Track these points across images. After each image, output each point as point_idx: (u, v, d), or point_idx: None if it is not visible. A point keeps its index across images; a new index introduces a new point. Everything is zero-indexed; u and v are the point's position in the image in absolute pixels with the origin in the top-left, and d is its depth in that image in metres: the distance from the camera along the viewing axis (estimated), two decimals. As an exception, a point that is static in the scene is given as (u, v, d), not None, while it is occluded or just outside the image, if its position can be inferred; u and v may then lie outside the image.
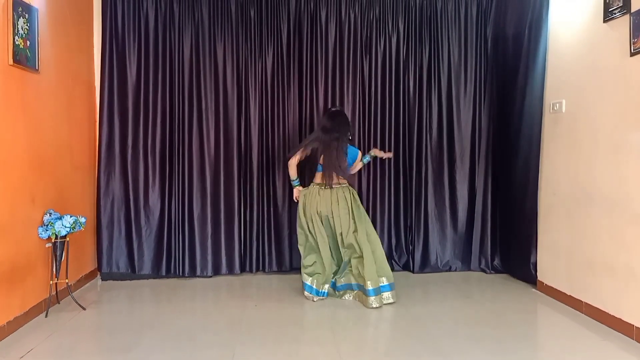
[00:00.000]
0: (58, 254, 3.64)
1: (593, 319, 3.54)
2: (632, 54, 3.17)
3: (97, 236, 4.56)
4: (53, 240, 3.61)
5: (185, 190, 4.65)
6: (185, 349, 3.04)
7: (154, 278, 4.64)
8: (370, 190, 4.93)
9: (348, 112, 4.83)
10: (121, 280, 4.58)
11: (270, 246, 4.81)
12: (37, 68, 3.59)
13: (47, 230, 3.54)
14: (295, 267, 4.78)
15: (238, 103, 4.73)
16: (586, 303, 3.64)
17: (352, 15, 4.84)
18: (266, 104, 4.78)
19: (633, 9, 3.16)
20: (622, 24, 3.26)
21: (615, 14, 3.33)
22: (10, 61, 3.26)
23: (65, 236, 3.64)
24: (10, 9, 3.25)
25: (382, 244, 4.92)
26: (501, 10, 4.81)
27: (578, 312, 3.70)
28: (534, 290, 4.28)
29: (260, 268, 4.83)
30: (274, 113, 4.78)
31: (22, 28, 3.40)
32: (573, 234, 3.82)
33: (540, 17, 4.19)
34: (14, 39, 3.29)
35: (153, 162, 4.62)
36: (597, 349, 3.09)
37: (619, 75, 3.32)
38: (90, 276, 4.52)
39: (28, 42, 3.48)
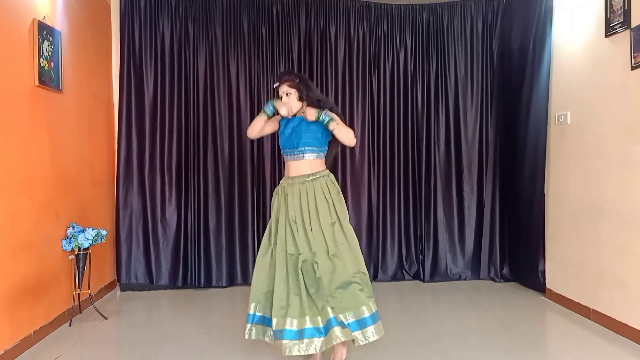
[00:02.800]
0: (81, 265, 3.78)
1: (601, 325, 3.61)
2: (633, 68, 3.28)
3: (116, 248, 4.70)
4: (76, 253, 3.75)
5: (200, 203, 4.79)
6: (203, 357, 3.15)
7: (171, 288, 4.77)
8: (381, 202, 5.05)
9: (358, 124, 4.98)
10: (140, 290, 4.71)
11: (283, 257, 4.93)
12: (60, 88, 3.75)
13: (70, 243, 3.68)
14: (308, 277, 4.90)
15: (251, 118, 4.85)
16: (594, 310, 3.71)
17: (360, 32, 4.99)
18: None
19: (633, 24, 3.27)
20: (623, 38, 3.38)
21: (616, 29, 3.44)
22: (36, 82, 3.42)
23: (87, 248, 3.78)
24: (35, 32, 3.42)
25: (393, 253, 5.07)
26: (506, 25, 4.93)
27: (586, 318, 3.78)
28: (542, 298, 4.36)
29: (274, 278, 4.94)
30: (286, 127, 4.92)
31: (46, 50, 3.57)
32: (582, 245, 3.90)
33: (544, 31, 4.31)
34: (39, 61, 3.45)
35: (169, 177, 4.77)
36: (605, 354, 3.18)
37: (621, 88, 3.43)
38: (109, 287, 4.67)
39: (52, 64, 3.64)
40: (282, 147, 3.05)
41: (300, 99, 2.96)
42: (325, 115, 2.85)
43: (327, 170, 3.04)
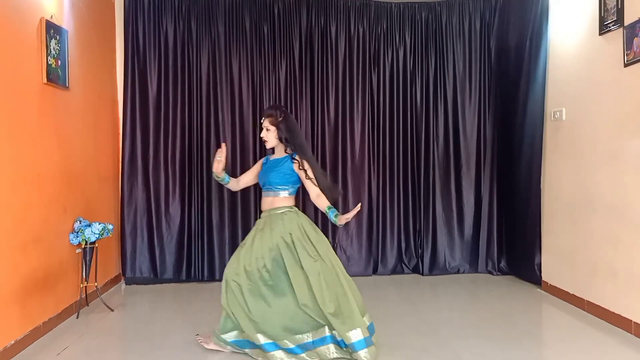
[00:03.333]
0: (87, 259, 3.88)
1: (594, 315, 3.72)
2: (625, 65, 3.37)
3: (121, 243, 4.80)
4: (83, 246, 3.85)
5: (204, 198, 4.88)
6: (209, 348, 3.25)
7: (175, 282, 4.86)
8: (380, 197, 5.15)
9: (358, 122, 5.08)
10: (144, 284, 4.81)
11: (285, 251, 5.02)
12: (67, 86, 3.84)
13: (77, 237, 3.77)
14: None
15: (253, 115, 4.96)
16: (588, 301, 3.81)
17: (360, 30, 5.07)
18: (280, 115, 5.01)
19: (626, 23, 3.36)
20: (617, 36, 3.47)
21: (610, 27, 3.53)
22: (44, 80, 3.50)
23: (94, 242, 3.88)
24: (43, 31, 3.50)
25: (392, 247, 5.17)
26: (503, 23, 5.02)
27: (581, 309, 3.88)
28: (539, 290, 4.46)
29: (276, 272, 5.04)
30: (287, 124, 5.00)
31: (54, 49, 3.65)
32: (575, 238, 4.00)
33: (540, 29, 4.40)
34: (47, 59, 3.54)
35: (173, 173, 4.86)
36: (598, 343, 3.28)
37: (614, 85, 3.52)
38: (114, 281, 4.76)
39: (59, 62, 3.73)
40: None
41: (280, 138, 3.15)
42: (332, 211, 3.08)
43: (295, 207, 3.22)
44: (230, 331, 3.09)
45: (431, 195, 5.15)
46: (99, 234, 3.82)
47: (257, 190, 4.94)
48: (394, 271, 5.15)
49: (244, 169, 4.88)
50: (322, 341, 2.96)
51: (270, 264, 3.03)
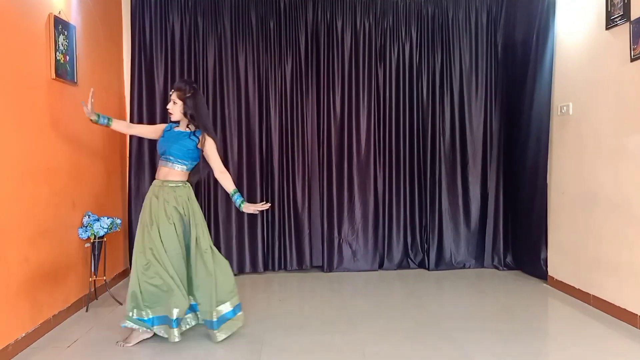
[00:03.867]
0: (96, 253, 3.92)
1: (600, 310, 3.73)
2: (632, 60, 3.37)
3: (129, 237, 4.83)
4: (92, 241, 3.88)
5: (210, 193, 4.91)
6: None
7: (182, 276, 4.89)
8: (386, 192, 5.16)
9: (364, 117, 5.08)
10: (152, 278, 4.84)
11: (291, 245, 5.06)
12: (75, 81, 3.87)
13: (86, 231, 3.81)
14: (315, 265, 5.06)
15: (259, 110, 4.98)
16: (594, 296, 3.82)
17: (366, 25, 5.07)
18: (286, 110, 5.03)
19: (633, 17, 3.36)
20: (623, 31, 3.46)
21: (616, 21, 3.52)
22: (53, 75, 3.54)
23: (103, 236, 3.91)
24: (52, 27, 3.53)
25: (398, 242, 5.19)
26: (510, 18, 5.01)
27: (586, 304, 3.89)
28: (545, 285, 4.47)
29: (282, 266, 5.08)
30: (293, 119, 5.03)
31: (62, 44, 3.68)
32: (580, 233, 4.01)
33: (547, 24, 4.39)
34: (55, 54, 3.57)
35: (180, 167, 4.88)
36: (603, 337, 3.29)
37: (621, 80, 3.52)
38: (122, 275, 4.80)
39: (67, 57, 3.76)
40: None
41: (184, 113, 3.24)
42: (238, 196, 3.32)
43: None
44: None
45: (437, 190, 5.15)
46: (107, 228, 3.86)
47: (263, 185, 4.98)
48: (399, 266, 5.17)
49: (250, 164, 4.94)
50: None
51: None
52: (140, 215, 3.31)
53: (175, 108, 3.25)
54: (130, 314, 3.17)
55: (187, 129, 3.30)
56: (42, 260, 3.38)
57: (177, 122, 3.35)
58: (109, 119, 3.40)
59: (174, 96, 3.25)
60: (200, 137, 3.25)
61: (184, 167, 3.27)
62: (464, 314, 3.78)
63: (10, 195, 3.03)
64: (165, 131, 3.38)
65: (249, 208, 3.34)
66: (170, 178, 3.25)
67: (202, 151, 3.26)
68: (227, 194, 4.81)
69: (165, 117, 4.83)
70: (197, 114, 3.24)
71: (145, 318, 3.18)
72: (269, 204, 3.42)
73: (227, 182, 3.35)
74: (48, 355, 3.06)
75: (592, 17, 3.83)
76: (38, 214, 3.33)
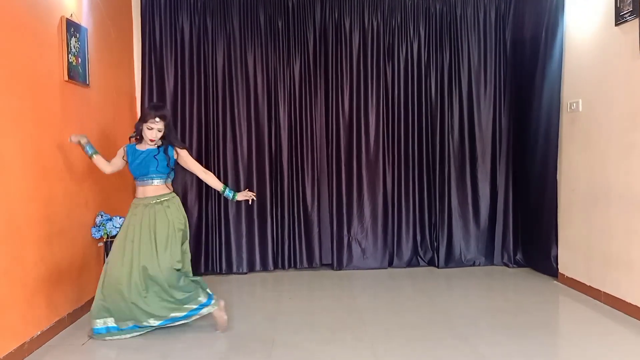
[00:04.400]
0: (109, 252, 3.96)
1: (611, 307, 3.73)
2: (642, 56, 3.36)
3: (141, 237, 4.88)
4: (104, 240, 3.93)
5: (220, 193, 4.93)
6: (229, 337, 3.33)
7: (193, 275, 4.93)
8: (396, 190, 5.17)
9: (372, 115, 5.10)
10: (163, 277, 4.89)
11: (300, 244, 5.09)
12: (87, 83, 3.92)
13: (99, 231, 3.87)
14: (325, 263, 5.09)
15: (268, 109, 5.01)
16: (605, 292, 3.82)
17: (374, 23, 5.08)
18: (294, 109, 5.05)
19: (642, 13, 3.35)
20: (633, 27, 3.45)
21: (626, 17, 3.51)
22: (66, 77, 3.59)
23: (115, 236, 3.96)
24: (64, 29, 3.58)
25: (408, 240, 5.21)
26: (519, 14, 5.00)
27: (597, 301, 3.89)
28: (555, 282, 4.47)
29: (292, 265, 5.11)
30: (302, 118, 5.05)
31: (74, 47, 3.73)
32: (591, 229, 4.00)
33: (556, 20, 4.38)
34: (67, 57, 3.62)
35: (190, 167, 4.92)
36: (614, 333, 3.29)
37: (630, 75, 3.51)
38: (134, 274, 4.84)
39: (79, 60, 3.81)
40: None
41: (164, 136, 3.44)
42: (229, 190, 3.62)
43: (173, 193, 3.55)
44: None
45: (446, 188, 5.15)
46: (119, 227, 3.90)
47: (272, 184, 5.01)
48: (409, 264, 5.19)
49: (260, 163, 4.97)
50: None
51: None
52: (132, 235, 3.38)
53: (159, 134, 3.41)
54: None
55: (150, 146, 3.43)
56: (58, 260, 3.43)
57: (135, 142, 3.50)
58: (94, 152, 3.53)
59: (160, 125, 3.38)
60: (175, 152, 3.48)
61: (169, 179, 3.53)
62: (474, 311, 3.79)
63: (26, 195, 3.08)
64: (132, 154, 3.47)
65: (240, 196, 3.63)
66: (160, 192, 3.45)
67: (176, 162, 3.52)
68: (240, 189, 4.93)
69: (175, 117, 4.88)
70: (172, 133, 3.50)
71: None
72: (253, 194, 3.67)
73: (212, 180, 3.63)
74: (63, 353, 3.11)
75: (601, 13, 3.82)
76: (53, 214, 3.38)
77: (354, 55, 5.08)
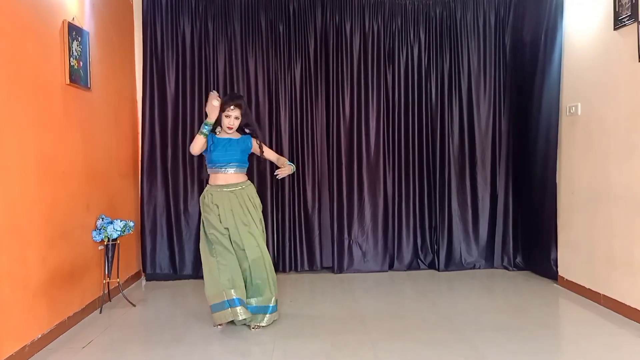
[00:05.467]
0: (110, 255, 3.97)
1: (610, 309, 3.73)
2: (640, 60, 3.38)
3: (141, 240, 4.90)
4: (105, 243, 3.94)
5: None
6: (231, 340, 3.34)
7: (194, 278, 4.93)
8: (396, 193, 5.19)
9: (373, 119, 5.13)
10: (164, 280, 4.90)
11: (301, 247, 5.10)
12: (89, 86, 3.94)
13: (100, 234, 3.87)
14: (325, 266, 5.10)
15: (269, 112, 5.03)
16: (604, 295, 3.83)
17: (375, 27, 5.11)
18: (295, 113, 5.07)
19: (641, 17, 3.37)
20: (631, 31, 3.47)
21: (624, 22, 3.53)
22: (67, 81, 3.60)
23: (116, 239, 3.97)
24: (66, 33, 3.60)
25: (408, 243, 5.22)
26: (518, 18, 5.02)
27: (597, 304, 3.90)
28: (555, 285, 4.48)
29: (293, 268, 5.12)
30: (303, 121, 5.07)
31: (75, 50, 3.75)
32: (591, 231, 4.01)
33: (555, 25, 4.41)
34: (69, 60, 3.64)
35: (191, 171, 4.94)
36: (614, 335, 3.30)
37: (629, 79, 3.53)
38: (135, 277, 4.86)
39: (81, 63, 3.82)
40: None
41: (241, 124, 3.62)
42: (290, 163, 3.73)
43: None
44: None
45: (447, 191, 5.17)
46: (120, 230, 3.92)
47: (273, 187, 5.02)
48: (409, 267, 5.19)
49: (260, 165, 4.96)
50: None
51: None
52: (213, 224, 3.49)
53: (237, 122, 3.58)
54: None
55: (229, 135, 3.60)
56: (59, 262, 3.44)
57: (213, 130, 3.58)
58: (208, 131, 3.52)
59: (236, 112, 3.55)
60: (256, 142, 3.71)
61: (246, 167, 3.72)
62: (475, 313, 3.80)
63: (28, 198, 3.10)
64: (214, 142, 3.57)
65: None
66: (241, 180, 3.63)
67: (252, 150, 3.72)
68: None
69: (176, 121, 4.90)
70: (253, 123, 3.75)
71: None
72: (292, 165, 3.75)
73: (283, 161, 3.71)
74: (64, 356, 3.12)
75: (600, 17, 3.85)
76: (55, 217, 3.40)
77: (354, 59, 5.10)
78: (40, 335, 3.17)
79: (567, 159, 4.36)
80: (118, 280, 4.10)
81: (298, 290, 4.57)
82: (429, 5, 5.16)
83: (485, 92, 5.18)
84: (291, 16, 5.03)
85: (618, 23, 3.60)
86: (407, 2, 5.15)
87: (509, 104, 5.16)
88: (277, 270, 5.02)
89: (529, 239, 4.97)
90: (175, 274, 4.94)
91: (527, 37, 4.86)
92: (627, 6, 3.49)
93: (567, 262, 4.36)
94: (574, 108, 4.21)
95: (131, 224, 4.04)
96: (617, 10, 3.61)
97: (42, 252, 3.23)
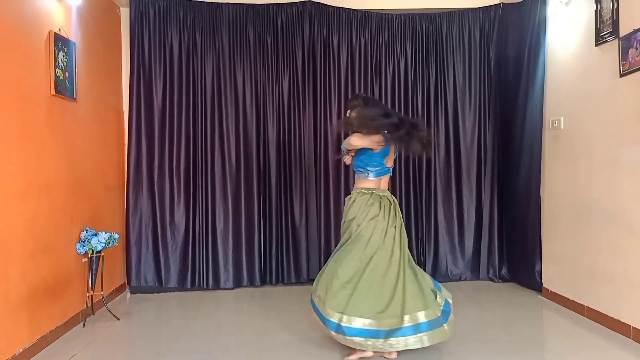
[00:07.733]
0: (94, 268, 3.93)
1: (594, 321, 3.77)
2: (621, 75, 3.45)
3: (126, 252, 4.85)
4: (89, 256, 3.90)
5: (208, 207, 4.94)
6: (216, 354, 3.30)
7: (179, 291, 4.90)
8: (382, 205, 5.19)
9: (360, 131, 5.12)
10: (149, 293, 4.85)
11: (288, 259, 5.08)
12: (75, 97, 3.91)
13: (84, 246, 3.83)
14: (312, 278, 5.06)
15: (257, 125, 5.03)
16: (588, 307, 3.87)
17: (362, 41, 5.15)
18: (283, 125, 5.08)
19: (621, 34, 3.45)
20: (612, 47, 3.55)
21: (606, 38, 3.61)
22: (52, 91, 3.58)
23: (100, 251, 3.93)
24: (52, 43, 3.58)
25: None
26: (502, 34, 5.10)
27: (580, 315, 3.93)
28: (539, 296, 4.51)
29: (280, 280, 5.10)
30: (291, 134, 5.08)
31: (61, 61, 3.73)
32: (575, 244, 4.06)
33: (538, 40, 4.48)
34: (55, 71, 3.62)
35: (178, 182, 4.92)
36: (597, 347, 3.33)
37: (610, 94, 3.60)
38: (119, 290, 4.81)
39: (67, 74, 3.80)
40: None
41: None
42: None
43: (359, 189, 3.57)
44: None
45: (433, 203, 5.20)
46: (105, 243, 3.88)
47: (260, 199, 5.01)
48: (396, 279, 5.19)
49: (248, 178, 4.98)
50: None
51: None
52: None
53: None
54: None
55: None
56: (41, 276, 3.39)
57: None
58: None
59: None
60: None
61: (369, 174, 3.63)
62: (462, 326, 3.78)
63: (11, 210, 3.06)
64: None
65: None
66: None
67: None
68: (224, 208, 4.94)
69: (163, 132, 4.88)
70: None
71: None
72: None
73: None
74: (46, 370, 3.07)
75: (582, 33, 3.92)
76: (38, 229, 3.36)
77: (342, 72, 5.13)
78: (21, 350, 3.11)
79: (550, 172, 4.42)
80: (102, 293, 4.05)
81: (284, 303, 4.55)
82: (415, 19, 5.22)
83: (471, 106, 5.24)
84: (279, 29, 5.06)
85: (599, 39, 3.68)
86: (394, 17, 5.21)
87: (493, 118, 5.23)
88: (263, 282, 5.04)
89: (514, 251, 5.01)
90: (160, 286, 4.89)
91: (511, 52, 4.94)
92: (608, 23, 3.56)
93: (551, 274, 4.40)
94: (557, 122, 4.28)
95: (116, 235, 4.00)
96: (598, 26, 3.69)
97: (23, 265, 3.18)
